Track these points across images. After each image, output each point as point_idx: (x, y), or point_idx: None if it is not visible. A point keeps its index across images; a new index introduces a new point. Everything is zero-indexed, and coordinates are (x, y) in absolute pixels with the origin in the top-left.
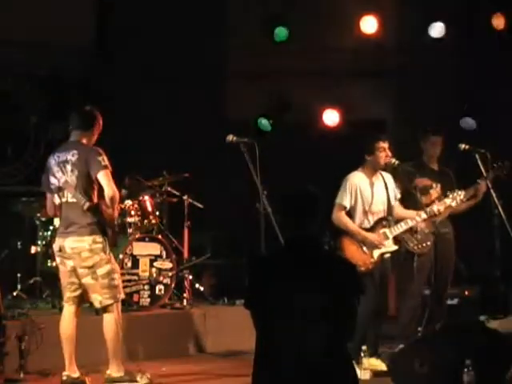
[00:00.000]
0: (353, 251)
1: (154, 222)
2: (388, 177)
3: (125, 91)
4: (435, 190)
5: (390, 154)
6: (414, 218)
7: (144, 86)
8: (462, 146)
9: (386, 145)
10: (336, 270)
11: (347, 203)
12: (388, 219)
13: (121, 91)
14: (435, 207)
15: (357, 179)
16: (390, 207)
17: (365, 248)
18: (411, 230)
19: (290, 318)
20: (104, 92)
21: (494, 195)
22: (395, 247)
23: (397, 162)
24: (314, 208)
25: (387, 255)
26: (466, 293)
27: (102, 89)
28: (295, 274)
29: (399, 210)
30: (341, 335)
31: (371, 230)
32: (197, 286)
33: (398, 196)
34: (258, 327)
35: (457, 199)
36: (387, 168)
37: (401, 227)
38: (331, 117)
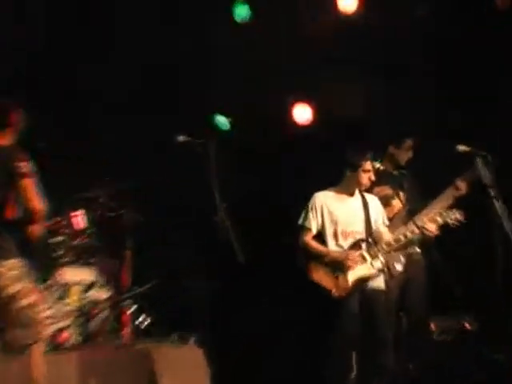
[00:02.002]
0: (322, 275)
1: (86, 241)
2: (372, 199)
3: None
4: (397, 201)
5: (373, 178)
6: (399, 238)
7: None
8: (461, 147)
9: (371, 167)
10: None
11: (312, 225)
12: (368, 241)
13: None
14: (428, 226)
15: (322, 198)
16: (370, 230)
17: (336, 272)
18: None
19: None
20: None
21: (496, 205)
22: (374, 271)
23: (382, 168)
24: None
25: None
26: (467, 326)
27: None
28: None
29: (387, 236)
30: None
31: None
32: (140, 319)
33: (386, 222)
34: None
35: (452, 221)
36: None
37: (382, 249)
38: (302, 113)
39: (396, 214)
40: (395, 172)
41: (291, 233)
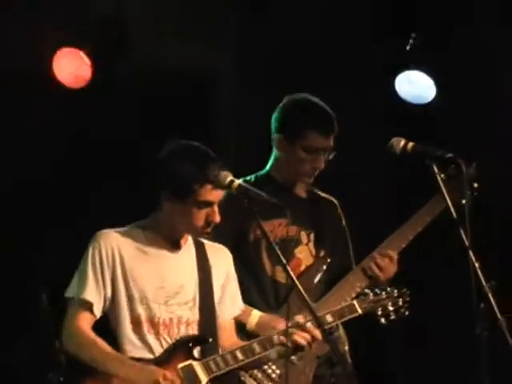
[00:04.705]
0: None
1: None
2: (219, 252)
3: None
4: (304, 248)
5: (216, 210)
6: (252, 349)
7: None
8: (401, 142)
9: (217, 194)
10: None
11: (92, 295)
12: (202, 338)
13: None
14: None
15: (115, 239)
16: (210, 317)
17: None
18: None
19: None
20: None
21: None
22: None
23: (237, 183)
24: None
25: None
26: None
27: None
28: None
29: (229, 332)
30: None
31: (161, 362)
32: None
33: (241, 306)
34: None
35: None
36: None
37: (225, 363)
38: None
39: (303, 274)
40: (302, 193)
41: None
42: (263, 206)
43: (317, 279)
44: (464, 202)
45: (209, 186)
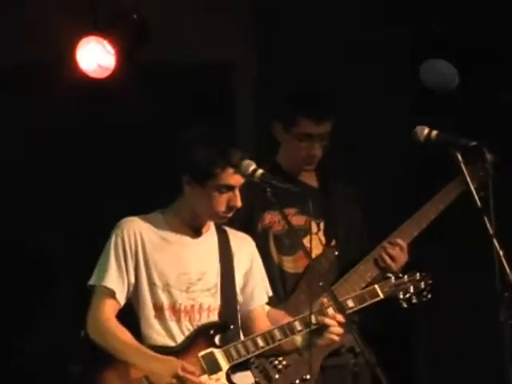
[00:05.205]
0: None
1: None
2: (242, 240)
3: None
4: (313, 237)
5: (238, 195)
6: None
7: None
8: (425, 130)
9: (238, 179)
10: None
11: (114, 283)
12: (224, 325)
13: None
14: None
15: (138, 227)
16: (231, 306)
17: None
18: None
19: None
20: None
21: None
22: None
23: (260, 171)
24: None
25: None
26: None
27: None
28: None
29: (262, 320)
30: None
31: (183, 350)
32: None
33: (269, 293)
34: None
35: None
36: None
37: (246, 350)
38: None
39: (312, 263)
40: (313, 182)
41: None
42: (275, 196)
43: (326, 268)
44: (487, 188)
45: (230, 170)
